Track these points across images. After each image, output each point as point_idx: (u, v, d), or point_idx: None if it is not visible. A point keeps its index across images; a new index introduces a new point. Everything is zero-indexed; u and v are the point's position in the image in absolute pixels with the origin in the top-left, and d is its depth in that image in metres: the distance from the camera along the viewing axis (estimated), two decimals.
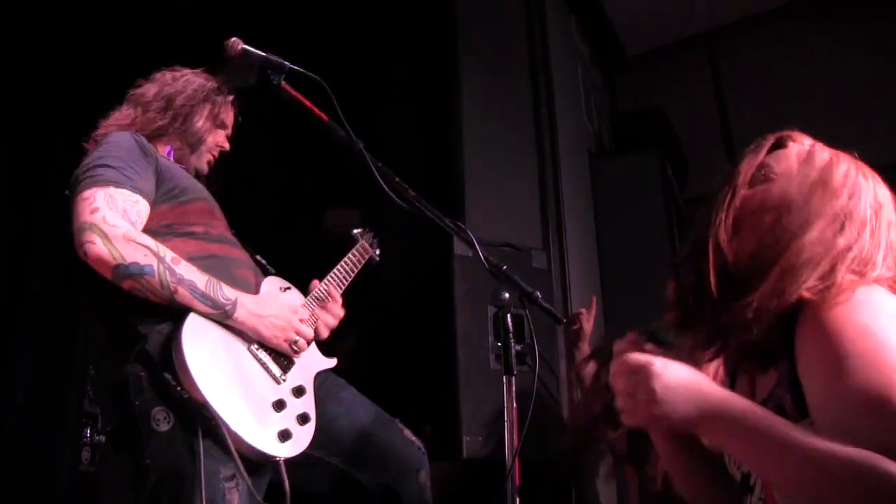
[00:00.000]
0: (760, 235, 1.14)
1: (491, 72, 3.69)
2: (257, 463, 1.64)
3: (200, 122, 2.01)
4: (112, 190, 1.68)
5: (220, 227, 1.92)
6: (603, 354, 2.52)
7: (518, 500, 1.48)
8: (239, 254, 1.93)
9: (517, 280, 1.59)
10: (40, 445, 3.15)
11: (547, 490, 2.79)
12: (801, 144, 1.23)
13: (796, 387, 1.05)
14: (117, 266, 1.59)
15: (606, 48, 5.15)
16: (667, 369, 1.02)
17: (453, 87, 3.59)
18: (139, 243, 1.63)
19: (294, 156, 3.82)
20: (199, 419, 1.54)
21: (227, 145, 2.11)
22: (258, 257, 2.04)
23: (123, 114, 1.96)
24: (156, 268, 1.61)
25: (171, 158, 1.98)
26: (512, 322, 1.57)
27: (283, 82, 1.73)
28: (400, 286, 3.40)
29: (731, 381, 1.30)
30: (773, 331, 1.08)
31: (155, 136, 1.94)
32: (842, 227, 1.10)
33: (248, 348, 1.74)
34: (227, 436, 1.54)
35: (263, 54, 1.76)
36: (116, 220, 1.64)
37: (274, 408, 1.71)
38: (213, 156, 2.09)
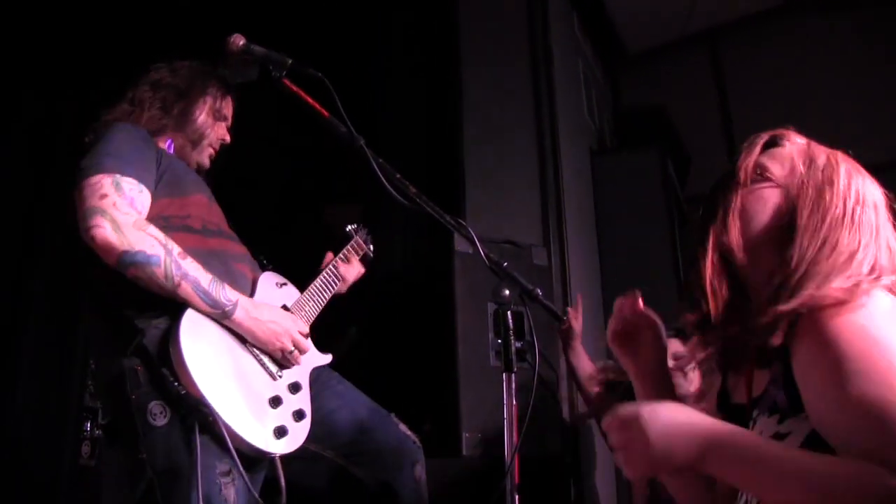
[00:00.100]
0: (770, 239, 1.13)
1: (492, 68, 3.69)
2: (253, 458, 1.64)
3: (201, 117, 2.00)
4: (119, 178, 1.68)
5: (218, 221, 1.92)
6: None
7: (517, 497, 1.48)
8: (237, 249, 1.93)
9: (517, 277, 1.59)
10: (41, 440, 3.15)
11: (546, 487, 2.79)
12: (795, 143, 1.22)
13: (790, 386, 1.05)
14: (124, 252, 1.59)
15: (608, 45, 5.14)
16: (656, 416, 1.01)
17: (454, 83, 3.59)
18: (148, 233, 1.63)
19: (293, 152, 3.82)
20: (195, 414, 1.54)
21: (228, 138, 2.09)
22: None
23: (124, 112, 1.95)
24: (163, 259, 1.61)
25: (171, 151, 1.97)
26: (512, 319, 1.56)
27: (285, 78, 1.73)
28: (400, 282, 3.41)
29: (722, 377, 1.30)
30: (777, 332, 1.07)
31: (156, 133, 1.93)
32: (850, 230, 1.09)
33: (245, 344, 1.74)
34: (223, 431, 1.54)
35: (265, 50, 1.76)
36: (126, 207, 1.64)
37: (270, 404, 1.71)
38: (215, 149, 2.07)
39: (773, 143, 1.23)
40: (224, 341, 1.70)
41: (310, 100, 1.71)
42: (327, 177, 3.75)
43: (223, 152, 2.11)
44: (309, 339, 1.90)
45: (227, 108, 2.08)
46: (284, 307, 1.91)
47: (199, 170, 2.04)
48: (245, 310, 1.71)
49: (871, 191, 1.15)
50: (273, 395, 1.73)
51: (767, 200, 1.16)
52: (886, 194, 1.17)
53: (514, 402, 1.53)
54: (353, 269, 2.24)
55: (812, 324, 1.02)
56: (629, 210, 4.11)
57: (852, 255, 1.07)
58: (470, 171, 3.43)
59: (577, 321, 2.82)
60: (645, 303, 1.34)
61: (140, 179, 1.72)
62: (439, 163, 3.53)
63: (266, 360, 1.77)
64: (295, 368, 1.84)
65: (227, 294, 1.69)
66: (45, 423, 3.18)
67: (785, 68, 4.85)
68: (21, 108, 3.39)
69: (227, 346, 1.70)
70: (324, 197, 3.74)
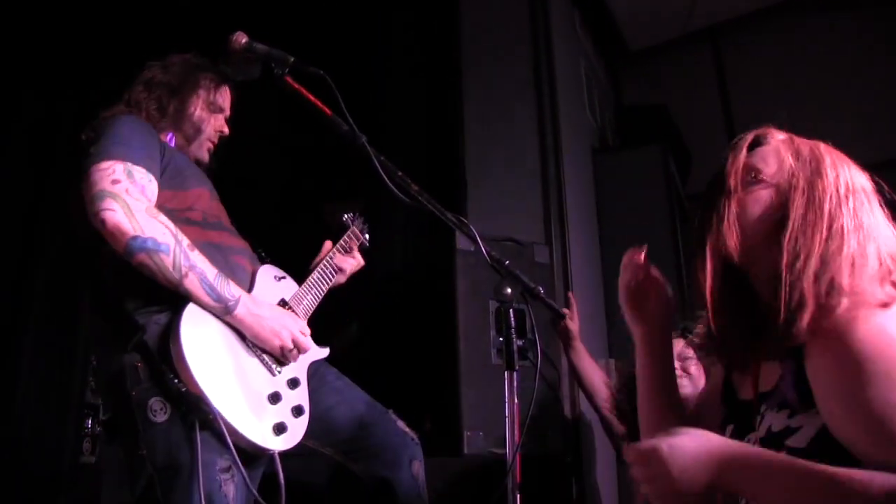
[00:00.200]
0: (770, 237, 1.13)
1: (493, 67, 3.68)
2: (252, 455, 1.64)
3: (196, 112, 1.99)
4: (130, 165, 1.67)
5: (218, 214, 1.92)
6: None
7: (519, 495, 1.48)
8: (236, 242, 1.92)
9: (519, 275, 1.59)
10: (41, 438, 3.16)
11: (548, 486, 2.79)
12: (777, 139, 1.22)
13: (802, 383, 1.05)
14: (134, 237, 1.58)
15: (610, 43, 5.14)
16: (674, 448, 1.04)
17: (455, 82, 3.58)
18: (160, 221, 1.63)
19: (294, 151, 3.82)
20: (195, 411, 1.53)
21: (226, 129, 2.07)
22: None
23: (122, 114, 1.92)
24: (172, 248, 1.61)
25: (173, 144, 1.97)
26: (514, 317, 1.56)
27: (287, 76, 1.73)
28: (401, 280, 3.40)
29: (726, 372, 1.30)
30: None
31: (156, 130, 1.92)
32: (849, 216, 1.10)
33: (245, 341, 1.74)
34: (223, 428, 1.54)
35: (267, 48, 1.76)
36: (138, 194, 1.64)
37: (269, 401, 1.71)
38: (213, 142, 2.05)
39: (757, 143, 1.23)
40: (224, 338, 1.69)
41: (312, 97, 1.71)
42: (327, 176, 3.75)
43: (223, 152, 2.10)
44: (309, 336, 1.89)
45: (224, 100, 2.06)
46: (283, 301, 1.92)
47: (199, 165, 2.03)
48: (247, 306, 1.71)
49: (857, 177, 1.16)
50: (272, 391, 1.73)
51: (764, 201, 1.16)
52: (872, 179, 1.18)
53: (516, 401, 1.53)
54: (351, 260, 2.24)
55: (831, 324, 1.02)
56: (631, 208, 4.09)
57: (861, 243, 1.07)
58: (471, 169, 3.43)
59: (573, 321, 2.82)
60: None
61: (149, 169, 1.72)
62: (441, 161, 3.53)
63: (265, 355, 1.77)
64: (293, 364, 1.84)
65: (230, 290, 1.69)
66: (45, 422, 3.19)
67: (786, 66, 4.85)
68: (21, 108, 3.38)
69: (226, 343, 1.69)
70: (324, 196, 3.74)
